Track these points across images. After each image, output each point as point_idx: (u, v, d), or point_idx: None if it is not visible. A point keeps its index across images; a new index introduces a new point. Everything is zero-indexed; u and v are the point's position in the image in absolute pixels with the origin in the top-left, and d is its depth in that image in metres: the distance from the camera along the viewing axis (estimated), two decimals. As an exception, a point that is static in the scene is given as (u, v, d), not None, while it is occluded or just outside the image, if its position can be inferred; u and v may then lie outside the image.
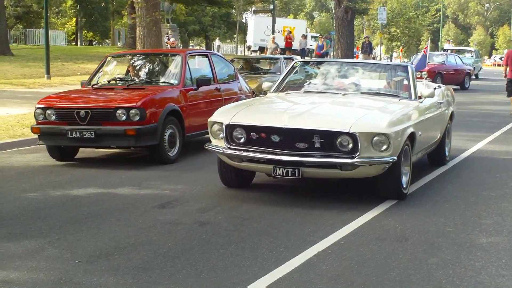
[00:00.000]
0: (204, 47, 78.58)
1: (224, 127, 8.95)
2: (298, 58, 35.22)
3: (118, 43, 66.61)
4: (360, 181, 9.30)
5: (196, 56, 14.56)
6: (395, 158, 8.58)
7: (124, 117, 11.26)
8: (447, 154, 12.09)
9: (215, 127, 9.15)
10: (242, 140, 8.88)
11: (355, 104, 9.86)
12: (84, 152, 12.64)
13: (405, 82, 10.49)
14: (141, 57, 14.47)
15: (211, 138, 9.26)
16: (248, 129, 8.85)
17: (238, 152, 8.87)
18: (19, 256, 6.66)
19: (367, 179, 9.04)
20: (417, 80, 10.92)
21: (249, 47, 67.71)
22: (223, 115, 9.19)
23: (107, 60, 13.91)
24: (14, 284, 5.89)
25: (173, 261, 6.50)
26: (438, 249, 7.01)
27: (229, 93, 14.02)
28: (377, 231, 7.62)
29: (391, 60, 67.09)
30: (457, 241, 7.31)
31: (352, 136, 8.37)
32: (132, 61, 14.09)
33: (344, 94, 10.11)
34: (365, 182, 9.30)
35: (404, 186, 9.14)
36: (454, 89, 14.88)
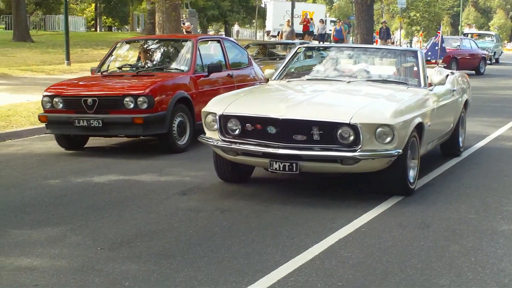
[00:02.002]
0: (223, 33, 78.46)
1: (217, 117, 8.46)
2: (315, 43, 35.14)
3: (137, 29, 66.62)
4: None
5: (208, 42, 14.37)
6: (400, 151, 8.02)
7: (132, 105, 11.08)
8: (461, 145, 11.46)
9: (209, 117, 8.64)
10: (237, 132, 8.39)
11: (359, 93, 9.28)
12: (100, 140, 12.62)
13: (415, 68, 9.93)
14: (151, 43, 14.23)
15: (205, 130, 8.81)
16: (243, 120, 8.35)
17: (232, 145, 8.38)
18: (41, 243, 6.70)
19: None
20: (429, 66, 10.65)
21: (268, 32, 67.46)
22: (217, 105, 8.70)
23: (117, 46, 13.77)
24: (37, 271, 5.93)
25: (195, 248, 6.52)
26: (459, 236, 6.99)
27: (242, 79, 13.77)
28: (398, 218, 7.61)
29: (411, 45, 66.72)
30: (478, 228, 7.29)
31: (353, 127, 7.83)
32: (142, 47, 13.90)
33: (348, 82, 9.56)
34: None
35: (411, 181, 8.60)
36: (469, 75, 14.66)
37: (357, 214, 7.69)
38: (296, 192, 8.77)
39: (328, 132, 7.94)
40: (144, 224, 7.35)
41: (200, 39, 13.35)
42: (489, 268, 6.08)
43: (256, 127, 8.25)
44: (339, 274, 5.88)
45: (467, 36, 42.57)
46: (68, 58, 27.93)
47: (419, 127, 8.69)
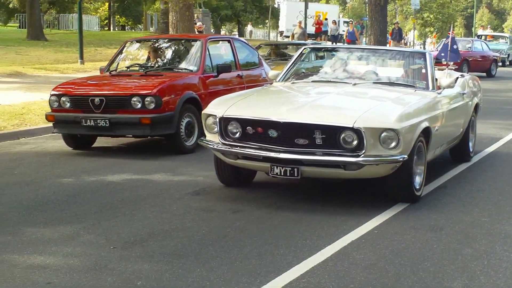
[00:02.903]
0: (236, 33, 78.48)
1: (218, 120, 8.23)
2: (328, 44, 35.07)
3: (151, 28, 66.73)
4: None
5: (218, 42, 14.22)
6: (406, 156, 7.75)
7: (139, 105, 10.98)
8: (471, 150, 11.19)
9: (210, 120, 8.42)
10: (237, 135, 8.17)
11: (364, 96, 8.99)
12: (109, 140, 12.59)
13: (423, 71, 9.64)
14: (160, 42, 14.07)
15: (206, 132, 8.59)
16: (243, 122, 8.11)
17: (232, 148, 8.17)
18: (54, 242, 6.73)
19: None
20: (440, 68, 10.49)
21: (281, 33, 67.47)
22: (218, 107, 8.46)
23: (126, 45, 13.67)
24: (50, 269, 5.96)
25: (207, 248, 6.53)
26: (472, 240, 6.97)
27: (252, 80, 13.63)
28: (411, 220, 7.60)
29: (424, 47, 66.60)
30: (491, 232, 7.27)
31: (356, 131, 7.57)
32: (151, 47, 13.76)
33: (354, 84, 9.27)
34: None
35: (417, 187, 8.33)
36: (480, 77, 14.56)
37: (369, 216, 7.68)
38: (308, 193, 8.78)
39: (330, 136, 7.70)
40: (157, 223, 7.37)
41: (209, 39, 13.27)
42: (502, 272, 6.06)
43: (257, 130, 8.03)
44: (351, 276, 5.88)
45: (480, 38, 42.39)
46: (81, 57, 28.00)
47: (426, 132, 8.45)
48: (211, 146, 8.40)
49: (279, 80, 9.96)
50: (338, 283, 5.73)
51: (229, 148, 8.20)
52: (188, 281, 5.71)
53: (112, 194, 8.65)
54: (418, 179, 8.38)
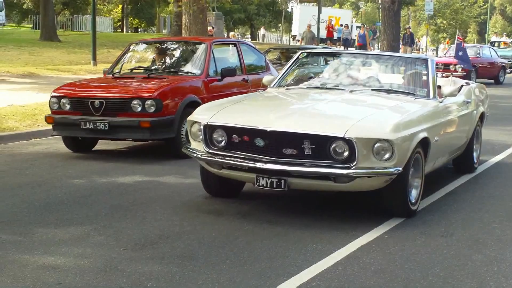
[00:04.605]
0: (249, 36, 78.57)
1: (202, 127, 7.83)
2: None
3: (164, 31, 66.89)
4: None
5: (224, 45, 14.05)
6: (401, 169, 7.31)
7: (139, 108, 10.81)
8: (475, 160, 10.70)
9: (195, 127, 8.00)
10: (223, 144, 7.76)
11: (360, 103, 8.54)
12: (112, 143, 12.46)
13: (424, 78, 9.12)
14: (164, 45, 13.98)
15: (191, 140, 8.17)
16: (229, 130, 7.70)
17: (217, 158, 7.76)
18: (65, 242, 6.76)
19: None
20: (444, 75, 10.16)
21: (294, 37, 67.50)
22: (203, 114, 8.06)
23: (130, 47, 13.51)
24: (60, 270, 5.98)
25: (217, 251, 6.55)
26: (483, 245, 6.96)
27: (259, 84, 12.97)
28: (421, 225, 7.59)
29: (437, 53, 66.51)
30: (502, 238, 7.26)
31: (348, 142, 7.14)
32: (155, 49, 13.64)
33: (351, 91, 8.81)
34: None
35: (413, 201, 7.88)
36: (488, 84, 14.42)
37: (379, 221, 7.66)
38: (319, 198, 8.76)
39: (320, 146, 7.27)
40: (167, 225, 7.39)
41: (214, 42, 13.12)
42: (512, 278, 6.06)
43: (243, 139, 7.61)
44: (361, 280, 5.89)
45: (494, 45, 42.24)
46: (94, 59, 28.09)
47: (425, 143, 7.98)
48: (195, 155, 8.02)
49: (273, 86, 9.51)
50: (347, 287, 5.73)
51: (213, 157, 7.80)
52: (198, 283, 5.72)
53: (123, 196, 8.67)
54: (414, 193, 7.96)
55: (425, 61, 9.46)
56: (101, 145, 12.18)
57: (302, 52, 10.26)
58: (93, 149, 11.97)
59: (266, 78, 10.00)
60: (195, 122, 8.01)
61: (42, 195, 8.65)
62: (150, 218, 7.67)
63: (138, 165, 10.59)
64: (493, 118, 12.63)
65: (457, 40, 15.16)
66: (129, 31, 72.73)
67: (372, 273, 6.07)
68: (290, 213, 7.96)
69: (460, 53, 15.07)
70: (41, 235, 6.96)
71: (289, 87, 9.41)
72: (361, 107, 8.43)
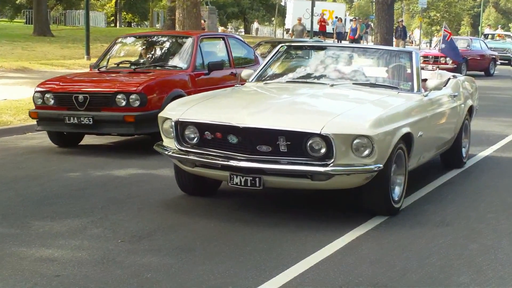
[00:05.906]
0: (242, 30, 78.50)
1: (173, 124, 7.55)
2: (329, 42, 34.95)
3: (157, 25, 66.83)
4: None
5: (212, 39, 13.91)
6: (381, 166, 7.03)
7: (124, 103, 10.66)
8: (464, 155, 10.37)
9: (167, 123, 7.73)
10: (195, 141, 7.49)
11: (340, 98, 8.26)
12: (102, 138, 12.35)
13: (408, 71, 8.81)
14: (151, 39, 13.84)
15: (163, 137, 7.91)
16: (201, 127, 7.42)
17: (189, 155, 7.49)
18: (62, 235, 6.76)
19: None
20: (430, 67, 10.02)
21: (287, 30, 67.44)
22: (175, 109, 7.81)
23: (117, 41, 13.37)
24: (58, 263, 5.98)
25: (214, 243, 6.56)
26: (479, 235, 6.99)
27: None
28: (418, 215, 7.61)
29: (430, 45, 66.56)
30: (498, 227, 7.29)
31: (325, 138, 6.85)
32: (142, 43, 13.54)
33: (332, 85, 8.50)
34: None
35: (396, 199, 7.58)
36: (479, 76, 14.36)
37: (376, 211, 7.67)
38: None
39: (296, 143, 6.98)
40: (163, 218, 7.40)
41: (202, 36, 12.98)
42: (509, 267, 6.08)
43: (216, 136, 7.34)
44: (357, 271, 5.90)
45: (487, 37, 42.28)
46: (88, 53, 28.06)
47: (407, 138, 7.69)
48: (167, 152, 7.74)
49: (251, 80, 9.16)
50: (344, 277, 5.74)
51: (185, 155, 7.54)
52: (195, 275, 5.73)
53: (119, 189, 8.67)
54: (397, 190, 7.67)
55: (409, 53, 9.10)
56: (92, 139, 12.12)
57: (282, 45, 9.84)
58: (79, 143, 11.83)
59: (244, 72, 9.61)
60: (167, 118, 7.74)
61: (38, 189, 8.64)
62: (146, 210, 7.68)
63: (133, 159, 10.58)
64: (487, 109, 12.65)
65: (444, 32, 15.09)
66: (123, 26, 72.60)
67: (369, 263, 6.09)
68: (286, 205, 7.97)
69: (443, 45, 15.01)
70: (37, 228, 6.95)
71: (268, 81, 9.07)
72: (341, 101, 8.17)
